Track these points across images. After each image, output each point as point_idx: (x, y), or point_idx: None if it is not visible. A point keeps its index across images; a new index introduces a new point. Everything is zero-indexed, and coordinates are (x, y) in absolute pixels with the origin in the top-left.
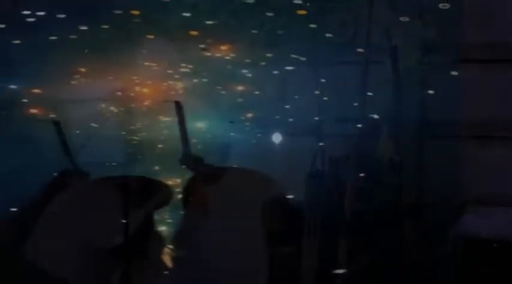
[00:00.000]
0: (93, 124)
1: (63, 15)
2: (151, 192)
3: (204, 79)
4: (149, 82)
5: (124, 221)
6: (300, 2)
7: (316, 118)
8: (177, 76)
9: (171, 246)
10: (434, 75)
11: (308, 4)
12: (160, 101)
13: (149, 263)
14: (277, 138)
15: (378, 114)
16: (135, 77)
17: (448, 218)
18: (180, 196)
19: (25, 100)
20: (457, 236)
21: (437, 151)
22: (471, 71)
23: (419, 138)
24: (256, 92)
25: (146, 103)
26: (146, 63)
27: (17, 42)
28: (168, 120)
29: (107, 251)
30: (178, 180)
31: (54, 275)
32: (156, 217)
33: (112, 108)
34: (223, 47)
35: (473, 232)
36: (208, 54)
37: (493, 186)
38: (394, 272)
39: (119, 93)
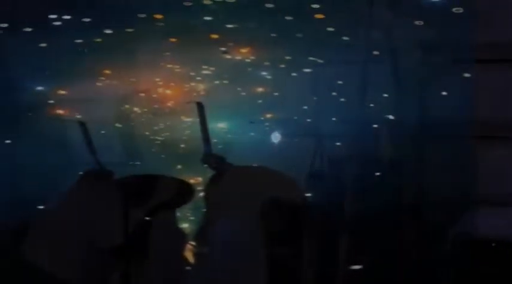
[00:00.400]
0: (117, 125)
1: (88, 19)
2: (174, 191)
3: (225, 81)
4: (172, 84)
5: (127, 220)
6: (318, 6)
7: (333, 118)
8: (198, 78)
9: (193, 243)
10: (435, 75)
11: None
12: (182, 102)
13: (149, 263)
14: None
15: (377, 115)
16: (158, 79)
17: (448, 218)
18: (201, 194)
19: (51, 102)
20: (457, 236)
21: (438, 151)
22: (472, 71)
23: (419, 138)
24: (276, 93)
25: (169, 104)
26: (169, 66)
27: (44, 45)
28: (190, 120)
29: (107, 251)
30: (200, 179)
31: (54, 276)
32: (178, 214)
33: (136, 108)
34: (243, 50)
35: (473, 232)
36: (229, 56)
37: (493, 186)
38: (394, 272)
39: (142, 94)
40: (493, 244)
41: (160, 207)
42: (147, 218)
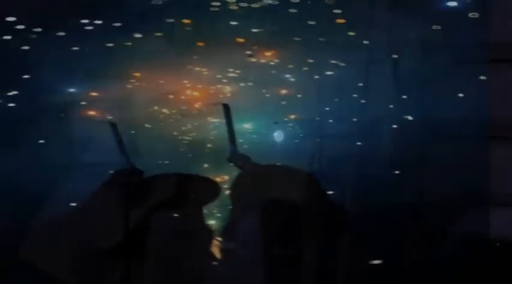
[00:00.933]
0: (146, 125)
1: (119, 24)
2: (201, 189)
3: (250, 83)
4: (199, 86)
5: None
6: (340, 11)
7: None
8: (225, 80)
9: (219, 239)
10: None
11: (346, 13)
12: (209, 104)
13: (149, 263)
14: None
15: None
16: (186, 81)
17: (449, 218)
18: (227, 191)
19: (83, 103)
20: (458, 236)
21: (438, 151)
22: (471, 71)
23: (419, 138)
24: (299, 95)
25: (196, 105)
26: (196, 68)
27: (76, 49)
28: (217, 121)
29: (107, 251)
30: (226, 177)
31: (51, 276)
32: (205, 211)
33: (164, 110)
34: (267, 53)
35: (473, 232)
36: (254, 59)
37: (494, 186)
38: (394, 272)
39: (171, 96)
40: (494, 244)
41: (188, 204)
42: (176, 215)
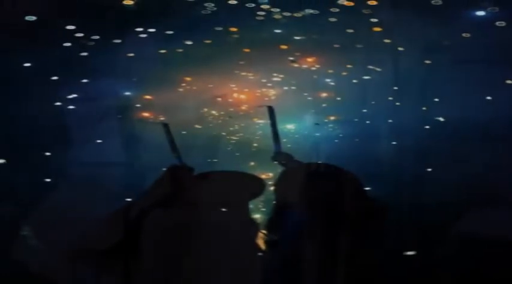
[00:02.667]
0: (197, 126)
1: (171, 32)
2: (246, 185)
3: (293, 87)
4: (246, 89)
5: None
6: (376, 20)
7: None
8: (269, 84)
9: (264, 232)
10: (435, 75)
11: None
12: (255, 106)
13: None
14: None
15: (377, 115)
16: (234, 85)
17: (448, 218)
18: (272, 188)
19: (138, 105)
20: (457, 236)
21: (438, 152)
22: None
23: (420, 138)
24: (338, 98)
25: (243, 107)
26: (243, 73)
27: (131, 55)
28: (262, 122)
29: (105, 251)
30: (271, 174)
31: (46, 276)
32: (251, 206)
33: (213, 111)
34: (309, 59)
35: (473, 232)
36: (297, 65)
37: (493, 186)
38: (394, 272)
39: (219, 99)
40: (493, 244)
41: (235, 200)
42: (224, 209)
